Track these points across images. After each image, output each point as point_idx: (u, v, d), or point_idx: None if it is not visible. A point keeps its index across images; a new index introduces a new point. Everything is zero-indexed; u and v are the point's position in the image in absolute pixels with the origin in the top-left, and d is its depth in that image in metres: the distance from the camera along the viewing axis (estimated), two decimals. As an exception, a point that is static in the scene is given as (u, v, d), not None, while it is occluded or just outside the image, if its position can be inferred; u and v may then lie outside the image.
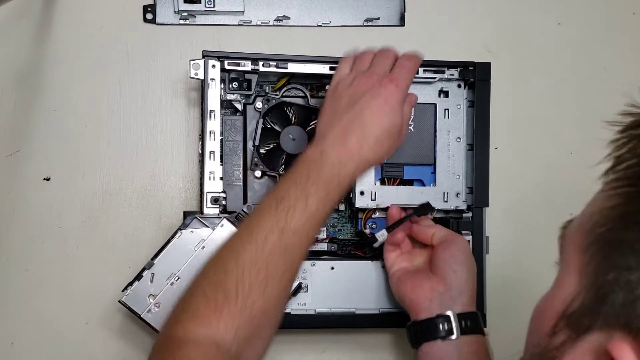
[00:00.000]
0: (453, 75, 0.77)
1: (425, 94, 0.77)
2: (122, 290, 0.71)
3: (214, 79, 0.73)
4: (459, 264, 0.68)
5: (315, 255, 0.77)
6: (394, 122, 0.64)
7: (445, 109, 0.78)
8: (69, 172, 0.78)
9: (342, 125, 0.63)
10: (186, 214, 0.73)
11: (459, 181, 0.77)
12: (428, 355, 0.65)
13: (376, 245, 0.73)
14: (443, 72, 0.77)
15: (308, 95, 0.76)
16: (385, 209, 0.76)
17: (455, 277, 0.67)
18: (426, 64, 0.77)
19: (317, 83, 0.78)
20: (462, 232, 0.76)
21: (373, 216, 0.77)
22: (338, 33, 0.83)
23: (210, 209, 0.73)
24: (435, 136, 0.77)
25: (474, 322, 0.66)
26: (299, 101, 0.77)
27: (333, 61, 0.75)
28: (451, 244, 0.69)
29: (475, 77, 0.77)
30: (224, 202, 0.74)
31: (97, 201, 0.78)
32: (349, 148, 0.62)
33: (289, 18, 0.82)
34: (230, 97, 0.75)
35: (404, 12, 0.84)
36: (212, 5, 0.80)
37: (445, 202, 0.77)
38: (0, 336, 0.77)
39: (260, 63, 0.74)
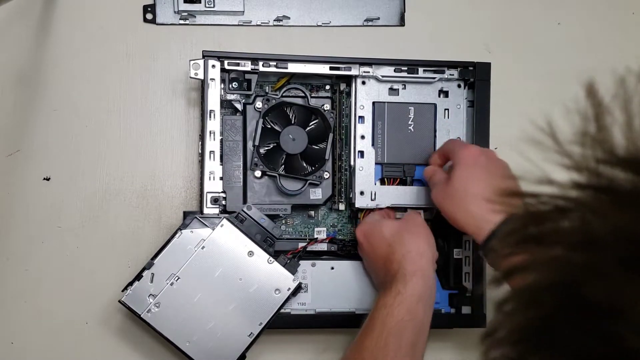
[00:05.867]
0: (453, 75, 0.77)
1: (425, 94, 0.78)
2: (122, 290, 0.71)
3: (213, 79, 0.73)
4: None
5: (316, 255, 0.77)
6: None
7: (445, 109, 0.78)
8: (69, 172, 0.78)
9: None
10: (186, 214, 0.73)
11: (459, 181, 0.77)
12: None
13: None
14: (443, 72, 0.77)
15: (308, 95, 0.76)
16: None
17: None
18: (426, 64, 0.77)
19: (317, 83, 0.78)
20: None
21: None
22: (338, 33, 0.83)
23: (210, 209, 0.73)
24: (435, 136, 0.77)
25: None
26: (299, 101, 0.77)
27: (333, 61, 0.75)
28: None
29: (475, 77, 0.77)
30: (223, 202, 0.74)
31: (97, 201, 0.78)
32: None
33: (289, 18, 0.82)
34: (230, 97, 0.75)
35: (404, 12, 0.84)
36: (212, 5, 0.80)
37: (445, 202, 0.77)
38: (0, 336, 0.77)
39: (260, 63, 0.74)
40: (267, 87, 0.78)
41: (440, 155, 0.74)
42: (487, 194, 0.63)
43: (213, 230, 0.71)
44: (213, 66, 0.73)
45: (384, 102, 0.77)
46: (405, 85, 0.77)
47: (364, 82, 0.76)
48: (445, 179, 0.69)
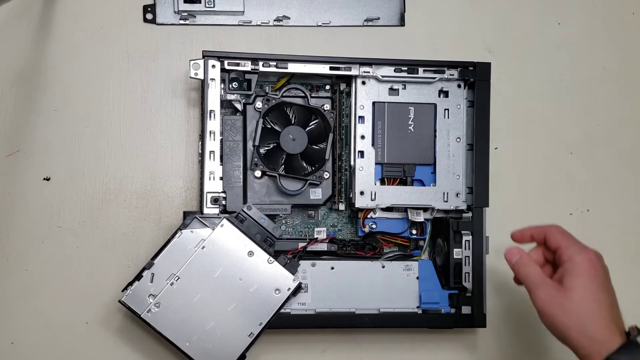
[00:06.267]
0: (453, 75, 0.77)
1: (425, 94, 0.77)
2: (122, 290, 0.71)
3: (214, 79, 0.73)
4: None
5: (315, 255, 0.77)
6: None
7: (445, 109, 0.78)
8: (69, 172, 0.78)
9: None
10: (186, 214, 0.73)
11: (459, 181, 0.77)
12: None
13: None
14: (443, 72, 0.77)
15: (308, 95, 0.76)
16: (385, 209, 0.77)
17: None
18: (426, 64, 0.77)
19: (317, 83, 0.78)
20: (462, 232, 0.76)
21: (373, 216, 0.77)
22: (338, 33, 0.83)
23: (210, 209, 0.73)
24: (435, 136, 0.77)
25: None
26: (299, 101, 0.77)
27: (333, 61, 0.75)
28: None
29: (475, 77, 0.77)
30: (223, 202, 0.74)
31: (97, 201, 0.78)
32: None
33: (289, 18, 0.82)
34: (230, 97, 0.75)
35: (404, 12, 0.84)
36: (212, 5, 0.80)
37: (445, 202, 0.77)
38: (0, 336, 0.77)
39: (260, 63, 0.74)
40: (267, 87, 0.78)
41: (534, 238, 0.67)
42: (605, 312, 0.59)
43: (213, 230, 0.71)
44: (213, 66, 0.73)
45: (384, 102, 0.77)
46: (405, 85, 0.77)
47: (364, 82, 0.76)
48: (550, 283, 0.62)
